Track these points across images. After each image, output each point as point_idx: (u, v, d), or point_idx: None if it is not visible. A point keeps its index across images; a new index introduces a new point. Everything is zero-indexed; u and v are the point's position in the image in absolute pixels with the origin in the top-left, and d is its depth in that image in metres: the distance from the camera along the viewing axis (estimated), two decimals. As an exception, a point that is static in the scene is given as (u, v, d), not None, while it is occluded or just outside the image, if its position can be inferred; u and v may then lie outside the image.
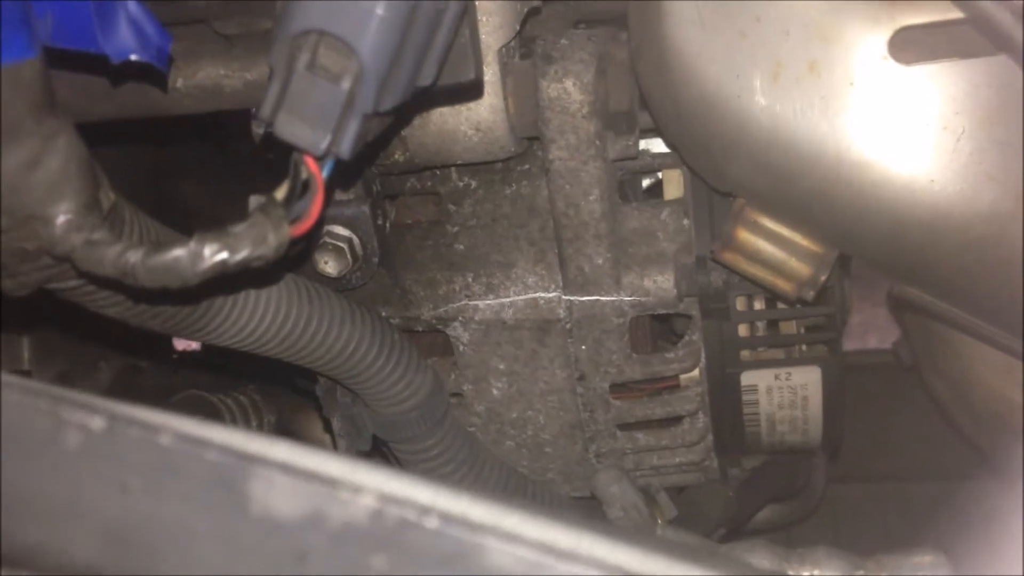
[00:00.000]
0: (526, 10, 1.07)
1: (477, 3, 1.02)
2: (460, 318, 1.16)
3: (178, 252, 0.69)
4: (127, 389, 1.48)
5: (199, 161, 1.67)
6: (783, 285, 1.05)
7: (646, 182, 1.26)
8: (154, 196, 1.68)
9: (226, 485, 0.42)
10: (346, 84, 0.72)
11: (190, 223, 1.68)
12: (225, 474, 0.42)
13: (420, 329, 1.19)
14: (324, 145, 0.73)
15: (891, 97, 0.92)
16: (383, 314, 1.17)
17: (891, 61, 0.91)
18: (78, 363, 1.45)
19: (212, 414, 1.47)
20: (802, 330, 1.19)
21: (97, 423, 0.42)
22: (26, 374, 1.40)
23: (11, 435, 0.43)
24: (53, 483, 0.43)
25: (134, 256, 0.70)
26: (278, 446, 0.48)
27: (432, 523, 0.42)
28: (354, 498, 0.42)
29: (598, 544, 0.49)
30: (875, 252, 1.01)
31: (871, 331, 2.06)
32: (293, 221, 0.75)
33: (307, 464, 0.45)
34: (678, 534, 0.90)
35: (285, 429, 1.59)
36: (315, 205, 0.76)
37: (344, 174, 0.87)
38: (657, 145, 1.16)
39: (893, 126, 0.92)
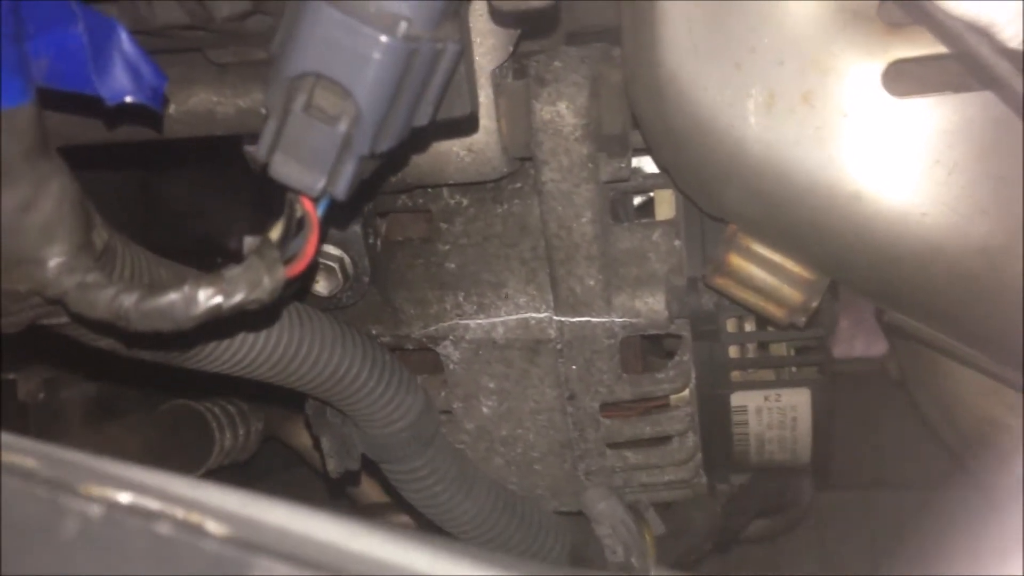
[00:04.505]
0: (520, 31, 1.06)
1: (470, 27, 1.01)
2: (451, 337, 1.16)
3: (172, 296, 0.69)
4: (114, 398, 1.47)
5: (187, 162, 1.66)
6: (775, 311, 1.06)
7: (638, 200, 1.26)
8: (142, 197, 1.67)
9: (225, 579, 0.42)
10: (343, 127, 0.71)
11: (178, 222, 1.69)
12: (224, 567, 0.42)
13: (410, 347, 1.18)
14: (319, 186, 0.73)
15: (884, 129, 0.91)
16: (373, 332, 1.17)
17: (884, 93, 0.91)
18: (64, 371, 1.44)
19: (200, 423, 1.47)
20: (792, 352, 1.19)
21: (95, 511, 0.42)
22: (12, 383, 1.39)
23: (10, 523, 0.42)
24: (52, 574, 0.42)
25: (128, 300, 0.69)
26: (279, 515, 0.48)
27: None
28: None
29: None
30: (867, 281, 1.01)
31: (858, 336, 2.06)
32: (288, 261, 0.74)
33: (308, 542, 0.44)
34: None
35: (272, 437, 1.59)
36: (310, 244, 0.75)
37: (341, 211, 0.86)
38: (649, 163, 1.15)
39: (886, 158, 0.92)
